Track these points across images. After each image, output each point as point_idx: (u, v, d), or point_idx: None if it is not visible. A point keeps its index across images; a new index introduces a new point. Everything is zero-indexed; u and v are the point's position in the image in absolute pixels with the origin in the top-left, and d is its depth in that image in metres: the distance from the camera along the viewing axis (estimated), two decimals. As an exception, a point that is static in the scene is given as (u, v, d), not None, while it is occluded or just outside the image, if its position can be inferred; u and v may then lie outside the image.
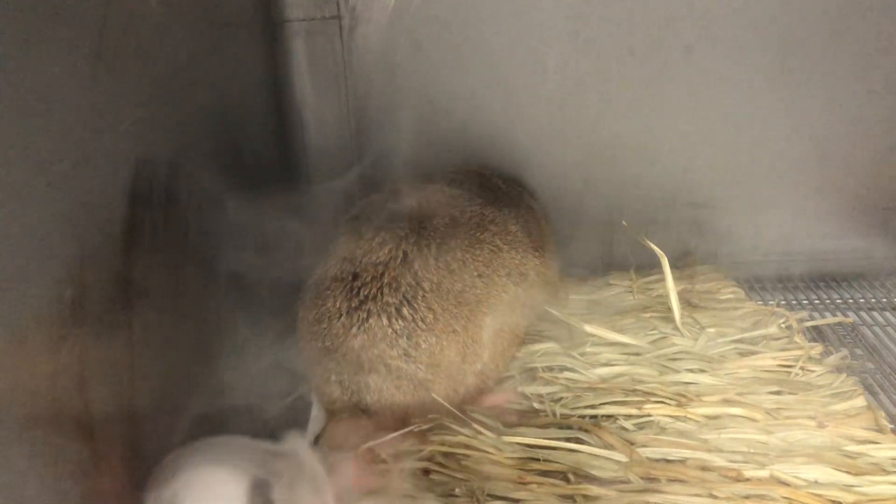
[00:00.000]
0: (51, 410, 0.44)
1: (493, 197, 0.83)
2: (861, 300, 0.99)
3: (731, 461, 0.64)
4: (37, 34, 0.43)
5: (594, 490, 0.61)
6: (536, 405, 0.74)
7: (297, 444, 0.61)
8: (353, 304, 0.67)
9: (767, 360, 0.80)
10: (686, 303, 0.93)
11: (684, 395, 0.73)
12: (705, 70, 0.97)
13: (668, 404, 0.72)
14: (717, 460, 0.64)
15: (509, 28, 0.97)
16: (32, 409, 0.42)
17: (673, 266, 0.89)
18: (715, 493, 0.60)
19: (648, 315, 0.89)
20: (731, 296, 0.97)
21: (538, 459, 0.65)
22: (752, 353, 0.81)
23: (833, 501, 0.59)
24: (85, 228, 0.48)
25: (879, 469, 0.63)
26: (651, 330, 0.87)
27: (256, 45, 0.88)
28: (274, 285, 0.78)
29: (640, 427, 0.70)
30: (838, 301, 0.99)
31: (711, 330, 0.86)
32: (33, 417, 0.42)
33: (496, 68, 0.99)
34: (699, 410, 0.71)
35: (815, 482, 0.62)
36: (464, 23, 0.97)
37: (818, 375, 0.77)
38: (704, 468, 0.63)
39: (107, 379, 0.50)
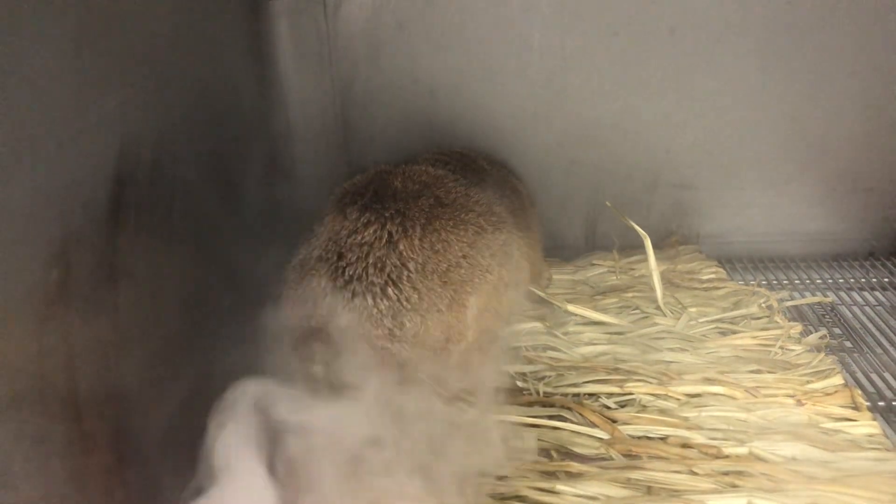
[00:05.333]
0: (37, 390, 0.44)
1: (478, 178, 0.83)
2: (840, 280, 1.00)
3: (712, 438, 0.65)
4: (20, 13, 0.43)
5: (577, 467, 0.62)
6: (520, 384, 0.74)
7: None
8: (338, 284, 0.67)
9: (748, 339, 0.81)
10: (668, 283, 0.94)
11: (666, 374, 0.74)
12: (688, 52, 0.97)
13: (650, 383, 0.73)
14: (698, 437, 0.65)
15: (493, 8, 0.97)
16: (18, 388, 0.42)
17: (655, 246, 0.90)
18: (695, 469, 0.61)
19: (631, 295, 0.90)
20: (712, 276, 0.98)
21: (522, 437, 0.66)
22: (733, 332, 0.82)
23: (810, 477, 0.60)
24: (70, 208, 0.47)
25: (855, 445, 0.65)
26: (633, 310, 0.88)
27: (241, 25, 0.88)
28: (259, 264, 0.78)
29: (622, 405, 0.71)
30: (818, 281, 1.00)
31: (693, 310, 0.87)
32: (19, 397, 0.42)
33: (480, 48, 0.99)
34: (680, 389, 0.72)
35: (793, 458, 0.63)
36: (448, 3, 0.97)
37: (797, 354, 0.79)
38: (685, 445, 0.65)
39: (93, 358, 0.50)
